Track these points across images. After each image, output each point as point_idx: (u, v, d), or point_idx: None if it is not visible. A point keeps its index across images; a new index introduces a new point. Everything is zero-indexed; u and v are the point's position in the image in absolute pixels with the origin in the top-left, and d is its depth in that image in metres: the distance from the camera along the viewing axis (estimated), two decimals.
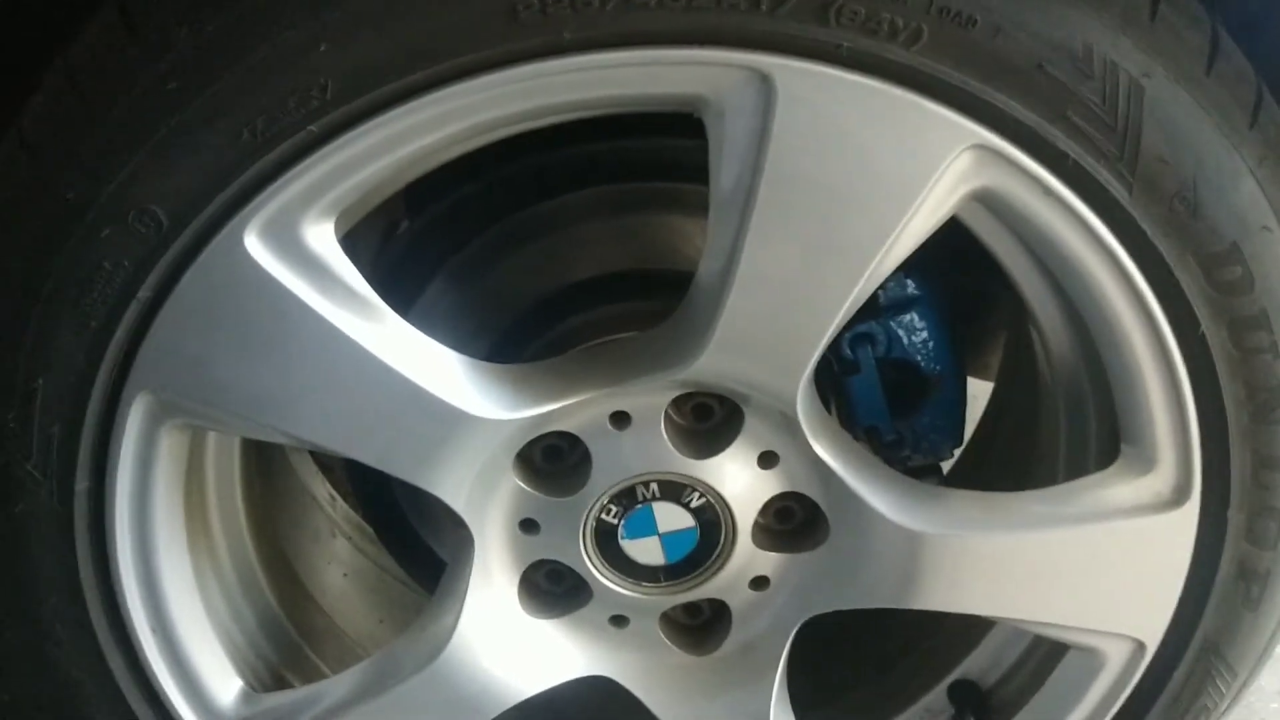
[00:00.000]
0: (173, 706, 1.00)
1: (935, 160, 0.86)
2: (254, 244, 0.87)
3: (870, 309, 1.10)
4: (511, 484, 1.02)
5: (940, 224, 0.91)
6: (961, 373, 1.15)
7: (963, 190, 0.89)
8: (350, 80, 0.83)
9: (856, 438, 1.17)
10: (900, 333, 1.10)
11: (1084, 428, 1.10)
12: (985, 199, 0.91)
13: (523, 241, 1.14)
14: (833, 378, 1.12)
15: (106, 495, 0.93)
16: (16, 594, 0.94)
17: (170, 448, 0.95)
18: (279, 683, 1.15)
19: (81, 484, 0.92)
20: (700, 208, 1.03)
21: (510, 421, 0.97)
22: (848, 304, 0.91)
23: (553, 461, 1.04)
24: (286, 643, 1.19)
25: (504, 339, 1.13)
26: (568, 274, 1.13)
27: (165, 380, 0.90)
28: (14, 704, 0.98)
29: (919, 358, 1.11)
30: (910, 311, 1.09)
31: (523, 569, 1.08)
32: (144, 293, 0.87)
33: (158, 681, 0.99)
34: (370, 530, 1.28)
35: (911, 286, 1.10)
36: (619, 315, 1.11)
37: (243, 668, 1.09)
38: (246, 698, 1.05)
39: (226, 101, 0.83)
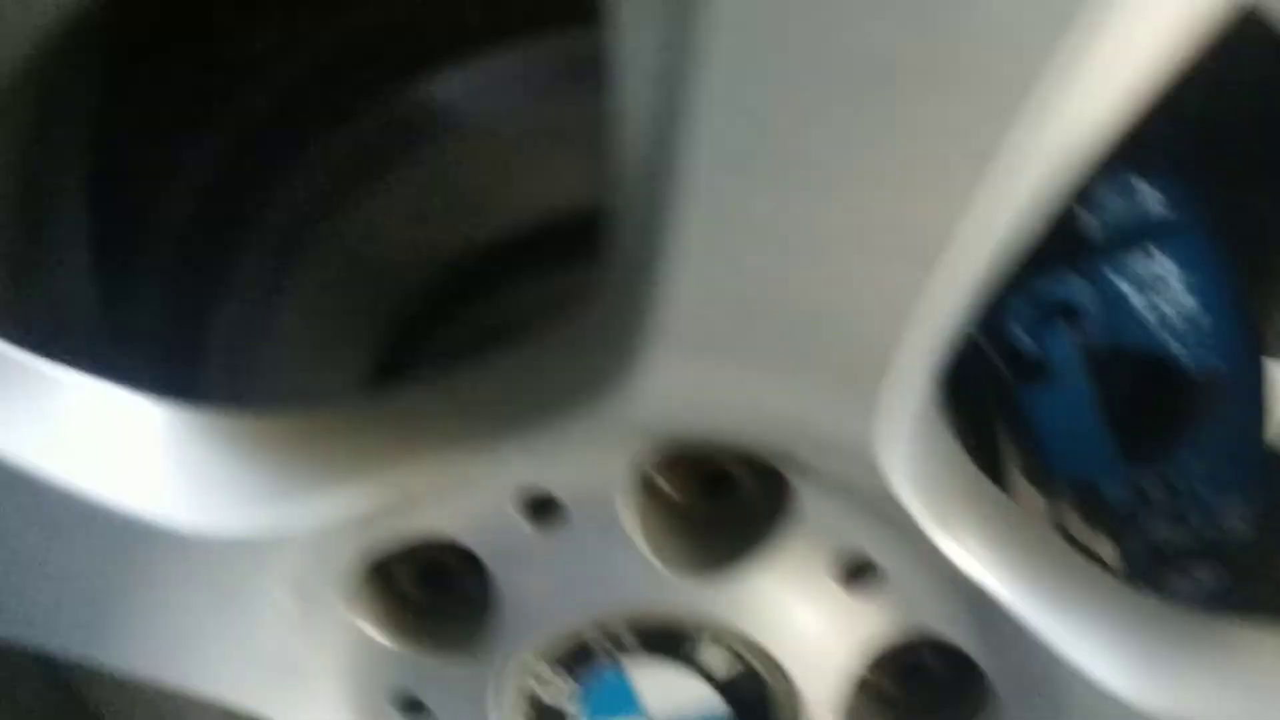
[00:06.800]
0: None
1: None
2: None
3: (1071, 246, 0.54)
4: (351, 631, 0.52)
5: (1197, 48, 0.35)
6: (1258, 369, 0.58)
7: None
8: None
9: (1053, 500, 0.62)
10: (1134, 297, 0.54)
11: None
12: None
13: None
14: (997, 390, 0.57)
15: None
16: None
17: None
18: None
19: None
20: None
21: (292, 535, 0.46)
22: (970, 251, 0.36)
23: (433, 588, 0.54)
24: None
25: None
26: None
27: None
28: None
29: (1174, 344, 0.54)
30: (1155, 251, 0.53)
31: None
32: None
33: None
34: None
35: (1159, 203, 0.53)
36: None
37: None
38: None
39: None
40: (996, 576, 0.48)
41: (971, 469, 0.48)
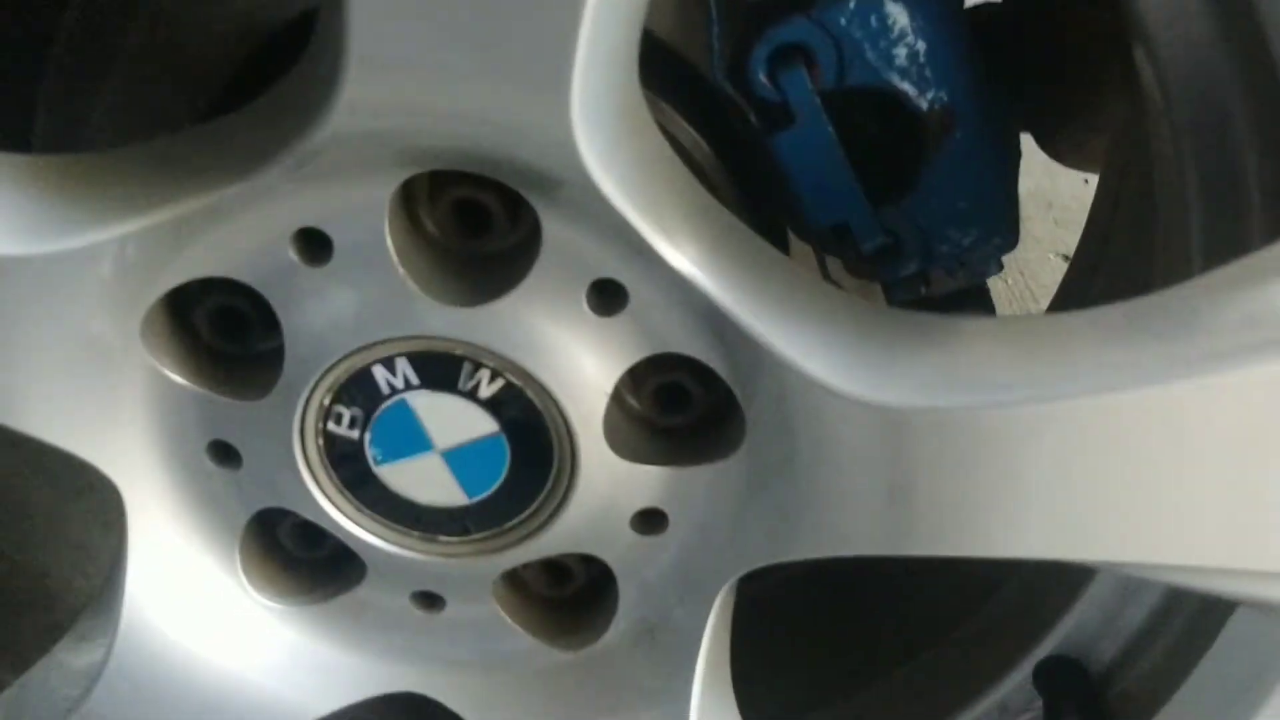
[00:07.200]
0: None
1: None
2: None
3: None
4: (157, 378, 0.57)
5: None
6: (985, 103, 0.62)
7: None
8: None
9: (820, 254, 0.67)
10: (859, 34, 0.58)
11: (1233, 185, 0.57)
12: None
13: None
14: (748, 138, 0.62)
15: None
16: None
17: None
18: None
19: None
20: None
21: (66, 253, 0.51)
22: None
23: (229, 335, 0.59)
24: None
25: None
26: None
27: None
28: None
29: (900, 80, 0.59)
30: None
31: (239, 527, 0.63)
32: None
33: None
34: None
35: None
36: None
37: None
38: None
39: None
40: (716, 281, 0.52)
41: (689, 178, 0.53)
